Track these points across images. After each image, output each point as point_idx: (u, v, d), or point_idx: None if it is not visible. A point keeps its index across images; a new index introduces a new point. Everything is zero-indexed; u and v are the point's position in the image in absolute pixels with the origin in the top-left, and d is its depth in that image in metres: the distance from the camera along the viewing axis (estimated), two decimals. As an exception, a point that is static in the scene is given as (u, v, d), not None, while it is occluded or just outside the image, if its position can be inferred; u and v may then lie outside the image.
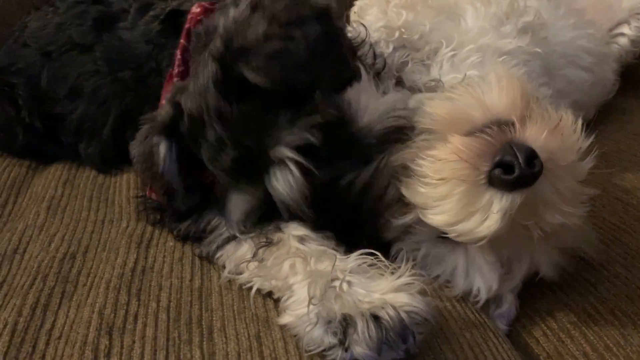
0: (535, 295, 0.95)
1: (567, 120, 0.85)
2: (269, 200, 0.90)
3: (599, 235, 1.06)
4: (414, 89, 1.16)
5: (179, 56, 1.10)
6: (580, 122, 0.87)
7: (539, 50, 1.27)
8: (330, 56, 0.91)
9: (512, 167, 0.77)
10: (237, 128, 0.87)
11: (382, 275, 0.82)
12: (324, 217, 0.88)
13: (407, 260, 0.83)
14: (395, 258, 0.94)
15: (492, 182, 0.79)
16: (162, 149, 0.96)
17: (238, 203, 0.93)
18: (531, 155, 0.78)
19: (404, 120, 0.94)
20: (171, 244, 1.05)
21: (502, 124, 0.82)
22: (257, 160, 0.88)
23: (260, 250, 0.89)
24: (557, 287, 0.96)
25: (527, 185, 0.79)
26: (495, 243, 0.88)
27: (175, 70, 1.10)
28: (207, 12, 1.11)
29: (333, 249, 0.88)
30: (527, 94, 0.87)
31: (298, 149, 0.85)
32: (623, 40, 1.60)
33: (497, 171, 0.78)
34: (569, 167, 0.83)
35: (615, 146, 1.43)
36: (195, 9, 1.11)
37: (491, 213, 0.79)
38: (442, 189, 0.82)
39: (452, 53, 1.20)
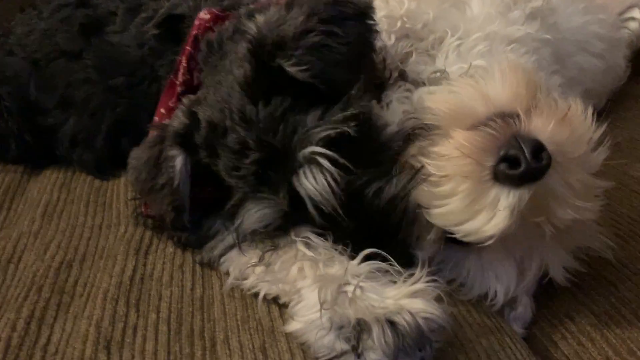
0: (553, 297, 0.91)
1: (576, 110, 0.80)
2: (289, 211, 0.85)
3: (617, 231, 1.02)
4: (418, 82, 1.11)
5: (184, 64, 1.05)
6: (590, 110, 0.82)
7: (548, 36, 1.22)
8: (367, 57, 0.92)
9: (518, 161, 0.73)
10: (263, 129, 0.84)
11: (396, 282, 0.78)
12: (355, 224, 0.83)
13: (422, 265, 0.79)
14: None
15: (498, 177, 0.75)
16: (179, 162, 0.91)
17: (254, 213, 0.88)
18: (538, 148, 0.73)
19: (416, 121, 0.89)
20: (171, 250, 1.01)
21: (506, 116, 0.77)
22: (284, 162, 0.83)
23: (267, 254, 0.86)
24: (576, 288, 0.91)
25: (534, 180, 0.74)
26: (507, 242, 0.84)
27: (180, 78, 1.05)
28: (217, 19, 1.06)
29: (339, 254, 0.84)
30: (533, 84, 0.82)
31: (330, 144, 0.81)
32: (634, 25, 1.55)
33: (503, 166, 0.74)
34: (580, 159, 0.78)
35: (628, 135, 1.38)
36: (204, 15, 1.06)
37: (498, 210, 0.75)
38: (446, 187, 0.78)
39: (458, 42, 1.15)
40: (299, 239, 0.85)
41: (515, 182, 0.73)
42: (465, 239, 0.79)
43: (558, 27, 1.29)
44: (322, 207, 0.82)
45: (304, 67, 0.82)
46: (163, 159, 0.93)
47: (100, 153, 1.26)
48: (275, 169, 0.84)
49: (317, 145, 0.81)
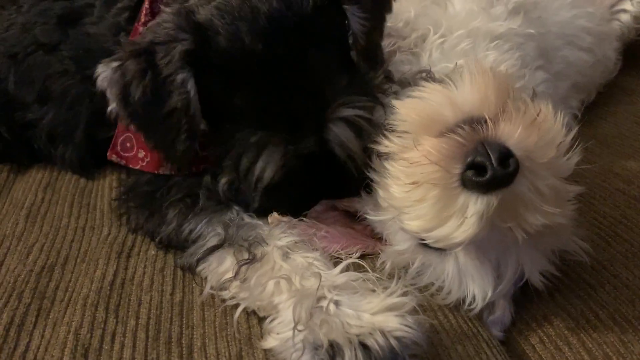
0: (532, 299, 0.91)
1: (545, 114, 0.79)
2: (302, 158, 0.90)
3: (599, 232, 1.01)
4: (404, 83, 1.10)
5: (146, 5, 1.04)
6: (561, 115, 0.81)
7: (532, 31, 1.21)
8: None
9: (485, 168, 0.72)
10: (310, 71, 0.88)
11: (373, 291, 0.78)
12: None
13: (399, 276, 0.80)
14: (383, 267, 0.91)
15: (466, 184, 0.74)
16: (192, 85, 0.86)
17: (272, 157, 0.89)
18: (505, 154, 0.73)
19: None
20: (153, 252, 1.01)
21: (474, 122, 0.76)
22: (316, 111, 0.89)
23: (243, 268, 0.85)
24: (555, 290, 0.91)
25: (502, 186, 0.73)
26: (482, 246, 0.83)
27: (142, 19, 1.03)
28: None
29: (317, 260, 0.84)
30: (503, 87, 0.81)
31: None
32: (625, 17, 1.53)
33: (470, 173, 0.73)
34: (549, 164, 0.77)
35: (616, 130, 1.37)
36: None
37: (466, 217, 0.75)
38: (416, 193, 0.78)
39: (441, 40, 1.15)
40: (278, 248, 0.85)
41: (482, 188, 0.73)
42: (436, 245, 0.79)
43: (543, 21, 1.27)
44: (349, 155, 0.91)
45: (367, 16, 0.90)
46: (162, 83, 0.86)
47: (80, 148, 1.25)
48: (307, 114, 0.88)
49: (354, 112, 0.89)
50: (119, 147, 1.09)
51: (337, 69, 0.91)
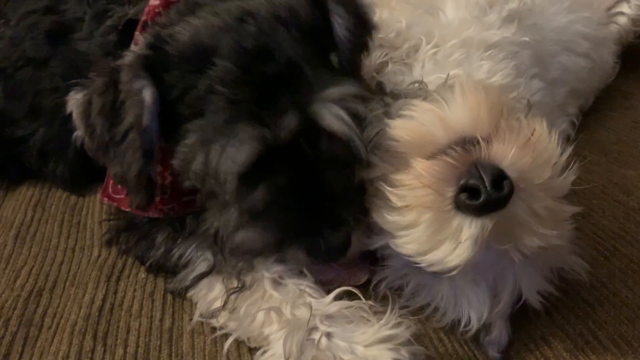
0: (530, 319, 0.89)
1: (540, 133, 0.77)
2: (276, 147, 0.76)
3: (597, 246, 0.99)
4: (396, 95, 1.07)
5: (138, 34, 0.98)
6: (556, 132, 0.78)
7: (527, 39, 1.18)
8: None
9: (479, 191, 0.70)
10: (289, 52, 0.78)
11: (367, 320, 0.76)
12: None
13: (393, 299, 0.78)
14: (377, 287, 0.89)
15: (459, 207, 0.72)
16: (148, 94, 0.77)
17: (246, 137, 0.75)
18: (499, 177, 0.70)
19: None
20: (143, 275, 1.00)
21: (466, 143, 0.74)
22: (298, 90, 0.77)
23: (232, 297, 0.83)
24: (554, 309, 0.89)
25: (496, 209, 0.71)
26: (479, 266, 0.81)
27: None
28: (167, 5, 1.02)
29: (310, 287, 0.82)
30: (497, 106, 0.78)
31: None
32: (623, 20, 1.50)
33: (463, 196, 0.71)
34: (545, 185, 0.75)
35: (615, 136, 1.35)
36: (154, 2, 1.01)
37: (461, 241, 0.72)
38: (409, 217, 0.76)
39: (434, 50, 1.12)
40: (268, 275, 0.83)
41: (476, 212, 0.71)
42: (430, 269, 0.77)
43: (539, 27, 1.24)
44: (337, 133, 0.79)
45: (350, 26, 0.83)
46: (122, 100, 0.79)
47: (72, 164, 1.24)
48: (290, 93, 0.76)
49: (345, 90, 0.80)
50: (110, 190, 1.06)
51: (319, 64, 0.82)
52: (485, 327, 0.87)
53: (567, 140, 1.33)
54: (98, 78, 0.83)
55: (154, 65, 0.78)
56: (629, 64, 1.57)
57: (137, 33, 0.99)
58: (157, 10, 1.00)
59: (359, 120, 0.81)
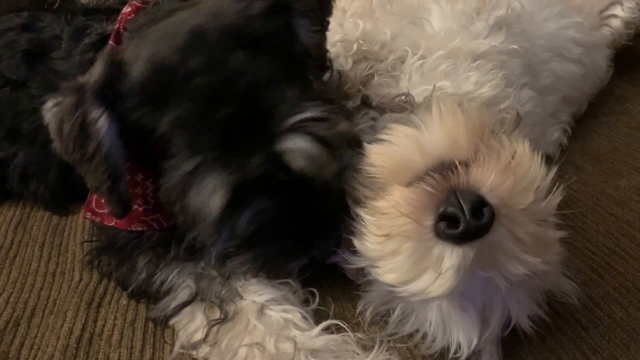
0: (521, 343, 0.86)
1: (521, 155, 0.74)
2: (250, 181, 0.75)
3: (591, 263, 0.96)
4: (382, 109, 1.05)
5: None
6: (539, 154, 0.75)
7: (516, 47, 1.15)
8: None
9: (458, 220, 0.67)
10: (242, 82, 0.75)
11: (354, 355, 0.73)
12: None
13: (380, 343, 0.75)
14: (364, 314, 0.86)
15: (439, 236, 0.69)
16: (103, 123, 0.76)
17: (216, 185, 0.74)
18: (478, 204, 0.67)
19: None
20: (124, 302, 0.97)
21: (445, 169, 0.71)
22: (264, 124, 0.75)
23: (214, 329, 0.80)
24: (546, 331, 0.86)
25: (477, 237, 0.68)
26: (466, 290, 0.78)
27: None
28: (138, 10, 0.99)
29: (296, 316, 0.80)
30: (475, 127, 0.75)
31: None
32: (616, 23, 1.47)
33: (442, 225, 0.68)
34: (528, 210, 0.72)
35: (610, 144, 1.32)
36: (126, 9, 0.99)
37: (442, 270, 0.70)
38: (389, 246, 0.73)
39: (420, 62, 1.09)
40: (252, 305, 0.80)
41: (456, 240, 0.68)
42: (413, 299, 0.74)
43: (528, 34, 1.22)
44: (305, 173, 0.76)
45: (317, 28, 0.82)
46: (87, 123, 0.78)
47: (53, 187, 1.21)
48: (251, 129, 0.75)
49: (307, 115, 0.76)
50: (93, 204, 1.03)
51: (284, 78, 0.78)
52: (475, 353, 0.85)
53: (560, 148, 1.31)
54: (67, 97, 0.80)
55: (110, 93, 0.77)
56: (623, 67, 1.54)
57: (110, 43, 0.96)
58: (128, 17, 0.98)
59: (328, 145, 0.77)
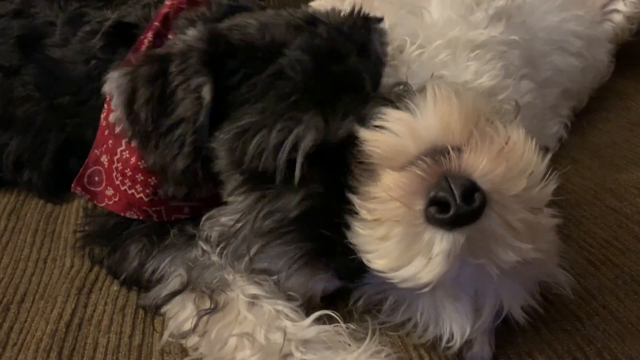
0: (515, 333, 0.85)
1: (515, 141, 0.73)
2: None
3: (588, 255, 0.95)
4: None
5: (149, 38, 0.96)
6: (533, 141, 0.74)
7: (516, 37, 1.14)
8: None
9: (448, 204, 0.66)
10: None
11: (346, 346, 0.72)
12: None
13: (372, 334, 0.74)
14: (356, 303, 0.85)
15: (430, 221, 0.68)
16: (207, 91, 0.76)
17: (310, 128, 0.76)
18: (469, 189, 0.67)
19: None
20: (115, 288, 0.96)
21: (437, 154, 0.70)
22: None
23: (204, 320, 0.79)
24: (541, 322, 0.85)
25: (468, 223, 0.67)
26: (459, 279, 0.77)
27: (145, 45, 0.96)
28: (192, 3, 1.00)
29: (287, 307, 0.79)
30: (469, 114, 0.74)
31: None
32: (618, 18, 1.46)
33: (432, 209, 0.67)
34: (520, 196, 0.71)
35: (609, 139, 1.30)
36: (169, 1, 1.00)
37: (432, 256, 0.69)
38: (379, 231, 0.72)
39: (419, 51, 1.08)
40: (242, 296, 0.79)
41: (447, 225, 0.67)
42: (403, 286, 0.73)
43: (528, 26, 1.21)
44: None
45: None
46: (171, 92, 0.78)
47: (47, 175, 1.20)
48: (348, 97, 0.80)
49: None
50: (85, 180, 1.01)
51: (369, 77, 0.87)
52: (467, 343, 0.83)
53: (559, 142, 1.29)
54: (144, 66, 0.80)
55: (213, 59, 0.78)
56: (625, 62, 1.53)
57: (155, 23, 0.97)
58: (181, 5, 0.98)
59: None
